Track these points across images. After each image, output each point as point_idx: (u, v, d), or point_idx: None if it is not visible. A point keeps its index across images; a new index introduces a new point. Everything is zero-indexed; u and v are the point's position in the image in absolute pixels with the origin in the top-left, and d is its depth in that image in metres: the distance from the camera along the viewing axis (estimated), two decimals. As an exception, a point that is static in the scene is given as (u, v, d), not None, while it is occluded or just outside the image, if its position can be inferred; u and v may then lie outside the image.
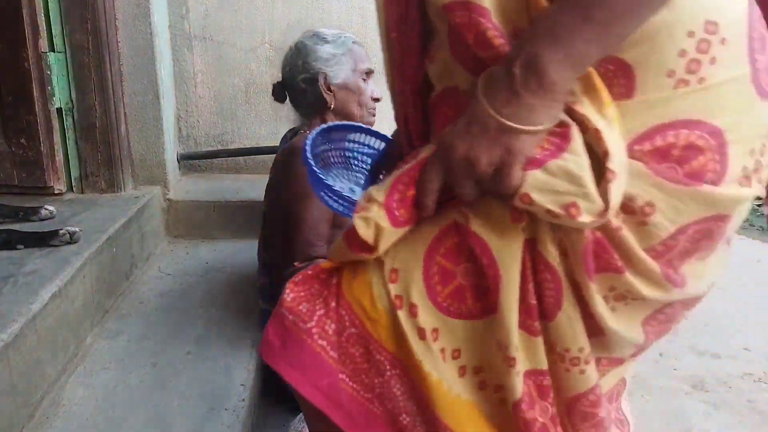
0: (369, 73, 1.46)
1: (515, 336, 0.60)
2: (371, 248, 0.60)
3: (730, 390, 2.22)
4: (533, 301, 0.59)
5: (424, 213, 0.59)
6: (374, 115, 1.48)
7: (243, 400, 1.13)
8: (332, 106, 1.41)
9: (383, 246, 0.60)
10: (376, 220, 0.59)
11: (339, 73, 1.40)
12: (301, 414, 1.13)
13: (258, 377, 1.30)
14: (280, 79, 1.48)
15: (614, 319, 0.60)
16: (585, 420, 0.65)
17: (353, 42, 1.44)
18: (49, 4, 1.60)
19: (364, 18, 2.14)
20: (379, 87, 1.39)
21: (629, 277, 0.57)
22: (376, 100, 1.47)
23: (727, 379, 2.29)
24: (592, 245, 0.55)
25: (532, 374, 0.63)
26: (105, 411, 1.07)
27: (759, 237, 4.07)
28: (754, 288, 3.16)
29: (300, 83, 1.42)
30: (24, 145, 1.63)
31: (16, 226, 1.37)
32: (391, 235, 0.60)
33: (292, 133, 1.51)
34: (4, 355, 0.93)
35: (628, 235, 0.55)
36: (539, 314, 0.60)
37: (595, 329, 0.60)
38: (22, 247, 1.29)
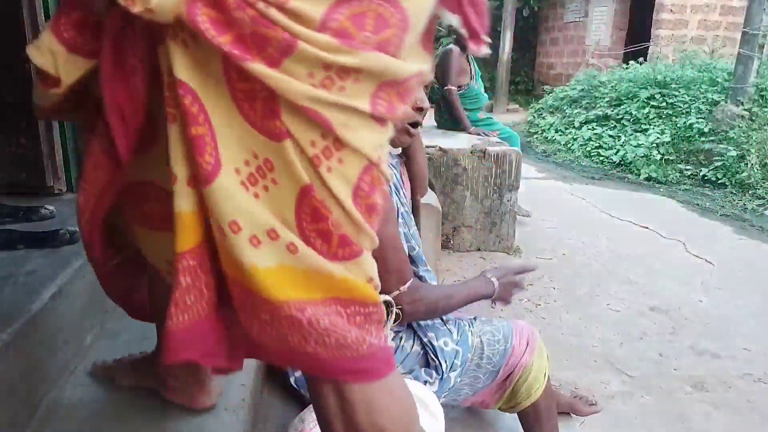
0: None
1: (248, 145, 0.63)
2: (56, 79, 0.65)
3: (730, 390, 2.22)
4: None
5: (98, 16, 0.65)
6: (411, 134, 1.33)
7: (243, 400, 1.13)
8: None
9: (67, 74, 0.66)
10: (48, 46, 0.65)
11: None
12: (301, 414, 1.13)
13: (258, 377, 1.30)
14: None
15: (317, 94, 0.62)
16: (315, 220, 0.67)
17: None
18: (49, 4, 1.59)
19: (364, 18, 2.14)
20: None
21: (305, 46, 0.60)
22: (419, 109, 1.30)
23: (727, 379, 2.30)
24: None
25: (303, 194, 0.65)
26: (105, 411, 1.07)
27: (759, 237, 4.07)
28: (753, 288, 3.17)
29: None
30: (24, 144, 1.63)
31: (16, 226, 1.37)
32: (70, 62, 0.66)
33: None
34: (4, 354, 0.93)
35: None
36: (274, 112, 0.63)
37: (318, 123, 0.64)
38: (22, 246, 1.29)
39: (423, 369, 1.33)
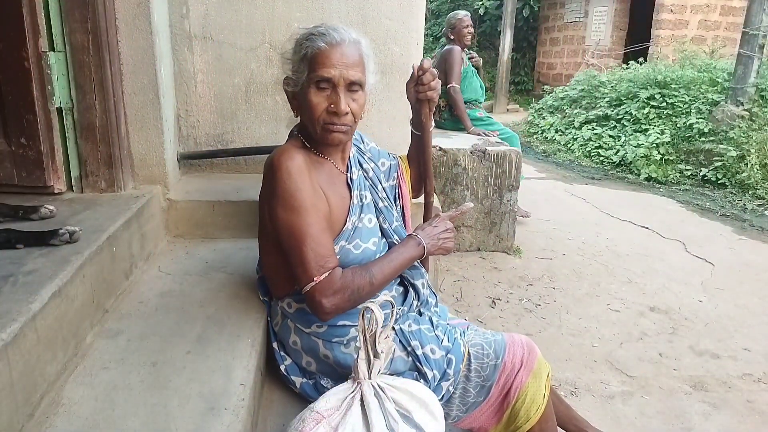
0: (323, 81, 1.23)
1: None
2: None
3: (730, 390, 2.22)
4: None
5: None
6: (332, 131, 1.26)
7: (243, 399, 1.13)
8: (296, 113, 1.32)
9: None
10: None
11: (298, 78, 1.27)
12: (301, 414, 1.13)
13: (258, 377, 1.30)
14: None
15: None
16: None
17: (323, 44, 1.22)
18: (50, 4, 1.59)
19: (364, 18, 2.14)
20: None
21: None
22: (333, 113, 1.24)
23: (727, 379, 2.30)
24: None
25: None
26: (105, 410, 1.07)
27: (759, 237, 4.07)
28: (753, 288, 3.17)
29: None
30: (24, 144, 1.63)
31: (16, 226, 1.37)
32: None
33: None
34: (4, 354, 0.93)
35: None
36: None
37: None
38: (22, 246, 1.29)
39: (416, 373, 1.30)
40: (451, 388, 1.31)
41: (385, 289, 1.35)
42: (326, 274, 1.19)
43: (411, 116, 1.51)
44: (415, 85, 1.39)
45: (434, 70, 1.38)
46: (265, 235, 1.35)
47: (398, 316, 1.36)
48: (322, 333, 1.32)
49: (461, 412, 1.36)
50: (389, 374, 1.26)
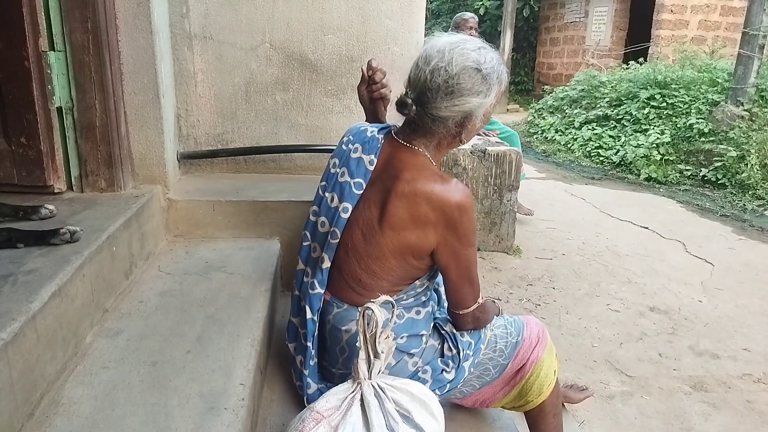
0: None
1: None
2: None
3: (730, 390, 2.23)
4: None
5: None
6: None
7: (243, 399, 1.13)
8: (463, 142, 1.30)
9: None
10: None
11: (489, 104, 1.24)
12: (300, 413, 1.13)
13: (258, 377, 1.30)
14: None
15: None
16: None
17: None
18: (50, 3, 1.59)
19: (364, 18, 2.14)
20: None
21: None
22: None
23: (727, 379, 2.30)
24: None
25: None
26: (104, 410, 1.07)
27: (759, 237, 4.07)
28: (753, 288, 3.17)
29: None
30: (24, 144, 1.63)
31: (16, 225, 1.37)
32: None
33: (384, 131, 1.32)
34: (3, 353, 0.93)
35: None
36: None
37: None
38: (22, 245, 1.29)
39: (439, 359, 1.35)
40: (471, 368, 1.37)
41: (428, 299, 1.38)
42: (482, 298, 1.35)
43: (365, 118, 1.51)
44: (367, 86, 1.44)
45: (383, 68, 1.44)
46: (400, 253, 1.25)
47: (435, 311, 1.43)
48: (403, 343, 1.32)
49: (474, 390, 1.42)
50: (421, 367, 1.33)
